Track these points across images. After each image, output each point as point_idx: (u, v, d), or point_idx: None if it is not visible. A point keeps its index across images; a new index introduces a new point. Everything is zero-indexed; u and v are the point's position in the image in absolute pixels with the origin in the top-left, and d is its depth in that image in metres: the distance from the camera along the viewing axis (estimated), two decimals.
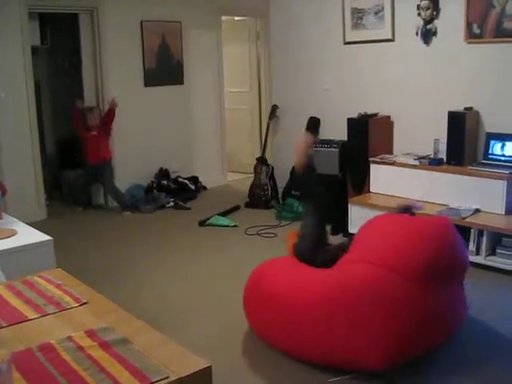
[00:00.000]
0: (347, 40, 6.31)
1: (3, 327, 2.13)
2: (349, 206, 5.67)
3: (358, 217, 5.52)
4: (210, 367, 1.82)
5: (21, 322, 2.17)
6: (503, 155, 5.12)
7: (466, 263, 3.47)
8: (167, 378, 1.74)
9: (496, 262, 4.70)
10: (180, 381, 1.74)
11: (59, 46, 7.69)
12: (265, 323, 3.48)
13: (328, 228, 5.80)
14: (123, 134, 7.03)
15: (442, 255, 3.25)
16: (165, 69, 7.39)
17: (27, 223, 4.18)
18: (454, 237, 3.42)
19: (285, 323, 3.28)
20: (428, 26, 5.57)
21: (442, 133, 5.38)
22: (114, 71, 6.91)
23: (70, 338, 2.00)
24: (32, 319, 2.20)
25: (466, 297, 3.53)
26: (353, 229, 5.46)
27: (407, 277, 3.11)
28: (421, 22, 5.62)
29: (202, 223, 6.25)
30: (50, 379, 1.75)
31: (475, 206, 5.00)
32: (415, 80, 5.78)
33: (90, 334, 2.03)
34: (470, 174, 5.06)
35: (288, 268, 3.58)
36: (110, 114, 6.64)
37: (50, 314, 2.23)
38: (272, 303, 3.36)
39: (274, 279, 3.47)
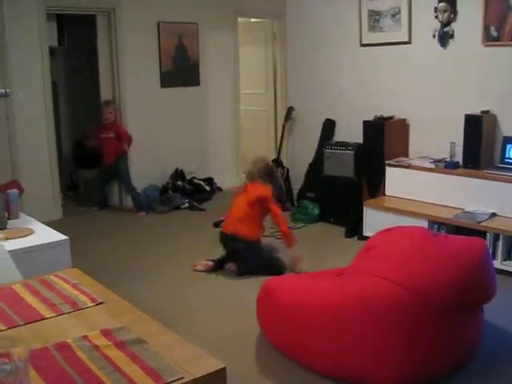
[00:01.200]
0: (364, 42, 6.30)
1: (20, 325, 2.15)
2: (364, 208, 5.65)
3: (373, 220, 5.51)
4: (224, 368, 1.82)
5: (37, 321, 2.19)
6: None
7: (494, 292, 3.29)
8: (182, 378, 1.75)
9: None
10: (195, 381, 1.75)
11: (76, 47, 7.75)
12: (277, 330, 3.46)
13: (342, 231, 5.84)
14: (139, 135, 7.06)
15: (473, 287, 3.12)
16: (181, 70, 7.41)
17: (43, 223, 4.21)
18: (487, 264, 3.26)
19: (296, 331, 3.25)
20: (445, 29, 5.55)
21: (458, 136, 5.35)
22: (131, 72, 6.94)
23: (85, 338, 2.02)
24: (48, 318, 2.21)
25: (484, 321, 3.42)
26: (368, 232, 5.44)
27: (431, 304, 2.98)
28: (438, 25, 5.60)
29: (217, 224, 6.25)
30: (65, 378, 1.76)
31: (491, 210, 4.96)
32: (432, 83, 5.76)
33: (106, 333, 2.05)
34: (486, 178, 5.04)
35: (303, 277, 3.56)
36: (126, 141, 6.79)
37: (66, 313, 2.25)
38: (285, 311, 3.32)
39: (288, 287, 3.45)
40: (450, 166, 5.33)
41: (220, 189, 7.85)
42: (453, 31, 5.52)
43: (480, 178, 5.08)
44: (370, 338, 2.98)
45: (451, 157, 5.46)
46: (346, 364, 3.06)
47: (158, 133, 7.26)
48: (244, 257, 4.78)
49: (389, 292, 3.01)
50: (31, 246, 3.62)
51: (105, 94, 7.00)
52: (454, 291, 3.04)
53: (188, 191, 7.28)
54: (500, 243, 4.68)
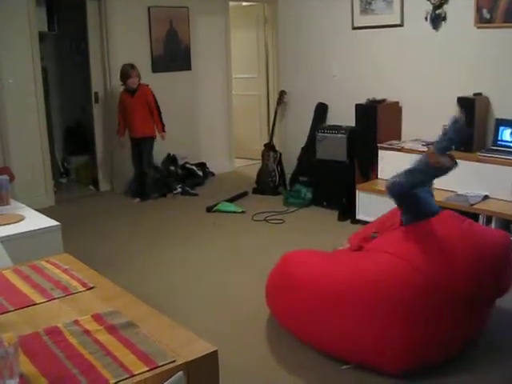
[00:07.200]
0: (356, 25, 6.25)
1: (10, 311, 2.13)
2: (356, 192, 5.65)
3: (365, 203, 5.51)
4: (216, 351, 1.82)
5: (28, 306, 2.17)
6: None
7: (509, 287, 3.22)
8: (174, 361, 1.74)
9: None
10: (186, 365, 1.75)
11: (67, 33, 7.67)
12: (286, 310, 3.44)
13: (335, 213, 5.83)
14: None
15: (490, 281, 3.06)
16: (172, 55, 7.37)
17: (35, 209, 4.18)
18: (508, 260, 3.18)
19: (307, 310, 3.24)
20: (437, 11, 5.51)
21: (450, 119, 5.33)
22: (122, 57, 6.88)
23: (76, 322, 2.01)
24: (39, 303, 2.20)
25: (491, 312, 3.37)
26: (361, 215, 5.45)
27: (445, 291, 2.95)
28: (430, 7, 5.56)
29: (210, 209, 6.25)
30: (56, 362, 1.75)
31: (484, 193, 4.97)
32: (424, 65, 5.73)
33: (97, 317, 2.04)
34: (478, 161, 5.03)
35: (319, 255, 3.55)
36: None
37: (57, 298, 2.24)
38: (295, 290, 3.32)
39: (305, 264, 3.44)
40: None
41: (212, 173, 7.85)
42: (445, 13, 5.48)
43: (473, 160, 5.07)
44: (382, 319, 2.98)
45: None
46: (360, 346, 3.05)
47: None
48: None
49: (404, 274, 3.00)
50: (22, 233, 3.58)
51: (95, 79, 6.96)
52: (471, 282, 2.99)
53: (181, 176, 7.27)
54: (492, 225, 4.69)
